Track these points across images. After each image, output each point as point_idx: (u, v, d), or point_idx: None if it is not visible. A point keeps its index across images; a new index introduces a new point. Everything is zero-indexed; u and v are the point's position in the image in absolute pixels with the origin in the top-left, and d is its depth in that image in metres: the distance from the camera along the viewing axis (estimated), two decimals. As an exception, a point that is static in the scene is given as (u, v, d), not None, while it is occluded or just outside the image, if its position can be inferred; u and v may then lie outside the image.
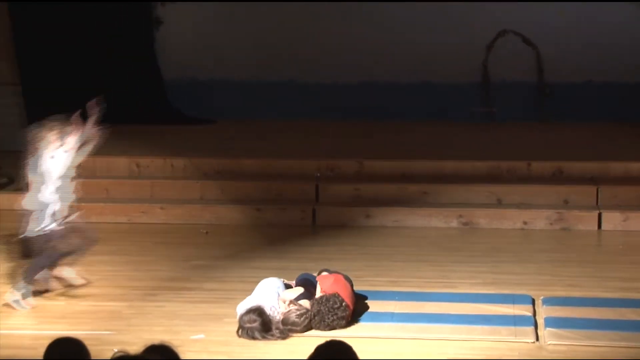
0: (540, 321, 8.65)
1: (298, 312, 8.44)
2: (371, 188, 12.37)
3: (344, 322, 8.50)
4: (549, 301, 9.09)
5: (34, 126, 9.52)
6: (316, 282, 8.81)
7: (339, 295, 8.51)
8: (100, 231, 11.64)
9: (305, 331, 8.40)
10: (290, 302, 8.55)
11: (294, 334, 8.33)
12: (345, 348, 5.21)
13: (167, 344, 5.37)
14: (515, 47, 15.26)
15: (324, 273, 9.02)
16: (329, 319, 8.41)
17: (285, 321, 8.40)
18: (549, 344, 8.15)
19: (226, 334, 8.36)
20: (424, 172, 12.58)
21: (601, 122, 14.79)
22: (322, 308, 8.43)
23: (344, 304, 8.49)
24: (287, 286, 8.91)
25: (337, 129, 14.73)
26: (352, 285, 8.91)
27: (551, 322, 8.54)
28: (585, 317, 8.68)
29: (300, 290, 8.73)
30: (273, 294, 8.67)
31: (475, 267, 10.20)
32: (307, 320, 8.43)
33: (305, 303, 8.55)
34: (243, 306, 8.52)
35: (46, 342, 5.45)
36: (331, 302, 8.46)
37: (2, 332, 8.48)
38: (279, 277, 9.07)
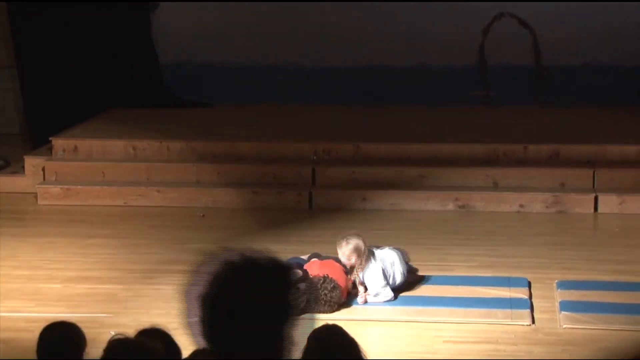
0: (555, 305, 8.68)
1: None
2: (368, 171, 12.39)
3: (338, 291, 8.49)
4: (564, 284, 9.09)
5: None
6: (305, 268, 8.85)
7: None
8: (97, 214, 11.76)
9: (301, 315, 8.40)
10: None
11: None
12: (341, 331, 5.23)
13: (158, 326, 5.39)
14: (511, 30, 15.23)
15: (314, 259, 9.05)
16: (323, 296, 8.40)
17: None
18: (565, 327, 8.16)
19: (222, 317, 8.38)
20: (421, 156, 12.59)
21: (598, 105, 14.78)
22: (311, 293, 8.42)
23: (326, 278, 8.51)
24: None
25: (334, 113, 14.72)
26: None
27: (566, 306, 8.54)
28: (599, 300, 8.69)
29: (298, 273, 8.74)
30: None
31: (471, 250, 10.22)
32: (301, 304, 8.42)
33: (302, 286, 8.57)
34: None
35: (41, 325, 5.47)
36: (314, 282, 8.48)
37: (-2, 314, 8.52)
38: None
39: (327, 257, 9.07)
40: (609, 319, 8.31)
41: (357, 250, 8.73)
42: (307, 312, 8.40)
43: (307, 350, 5.10)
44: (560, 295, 8.84)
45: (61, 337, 5.35)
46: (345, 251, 8.75)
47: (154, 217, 11.69)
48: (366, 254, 8.74)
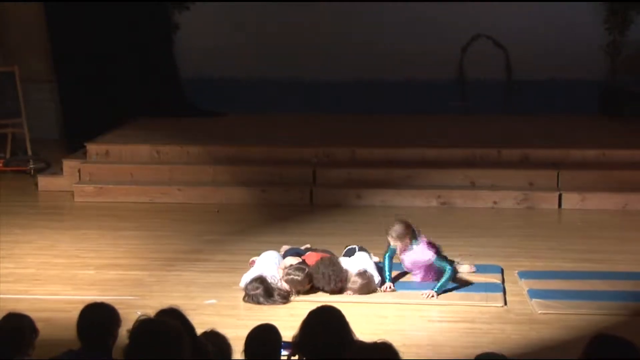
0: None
1: (295, 267, 8.43)
2: (362, 172, 12.38)
3: (342, 273, 8.49)
4: (525, 275, 8.98)
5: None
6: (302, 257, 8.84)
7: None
8: (126, 210, 11.77)
9: (308, 285, 8.38)
10: (291, 266, 8.55)
11: (294, 299, 8.33)
12: (335, 312, 5.20)
13: (174, 307, 5.38)
14: (487, 49, 15.27)
15: (309, 252, 9.04)
16: (332, 273, 8.39)
17: (287, 279, 8.37)
18: (540, 314, 8.04)
19: (235, 300, 8.38)
20: (408, 158, 12.58)
21: (561, 114, 14.81)
22: (323, 270, 8.41)
23: (334, 257, 8.55)
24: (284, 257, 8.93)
25: (332, 121, 14.73)
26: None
27: (536, 294, 8.42)
28: (564, 288, 8.58)
29: (299, 259, 8.74)
30: (272, 265, 8.67)
31: (452, 241, 10.16)
32: (306, 273, 8.40)
33: (305, 270, 8.56)
34: (247, 277, 8.53)
35: (78, 307, 5.44)
36: (323, 262, 8.48)
37: (40, 297, 8.50)
38: (280, 250, 9.09)
39: (323, 250, 9.08)
40: (578, 304, 8.17)
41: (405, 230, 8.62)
42: (323, 286, 8.39)
43: (305, 328, 5.08)
44: (525, 284, 8.74)
45: (99, 317, 5.31)
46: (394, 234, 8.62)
47: (176, 212, 11.68)
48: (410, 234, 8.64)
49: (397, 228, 8.59)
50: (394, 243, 8.61)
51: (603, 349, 4.43)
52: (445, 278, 8.41)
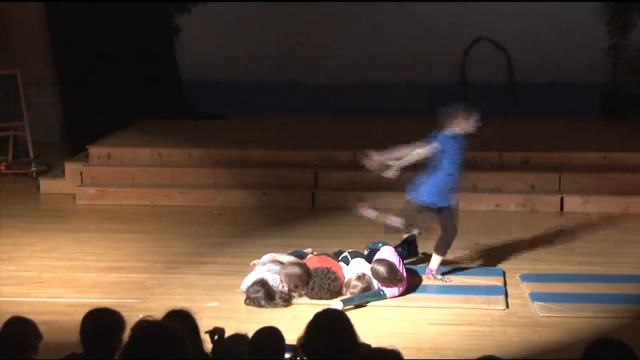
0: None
1: (293, 262, 8.43)
2: (363, 175, 12.29)
3: (338, 282, 8.48)
4: (527, 277, 8.99)
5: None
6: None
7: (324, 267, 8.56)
8: (127, 212, 11.77)
9: (307, 282, 8.38)
10: (289, 262, 8.55)
11: (296, 302, 8.33)
12: (341, 315, 5.22)
13: (185, 309, 5.38)
14: (488, 52, 15.27)
15: (310, 255, 9.03)
16: (325, 285, 8.40)
17: (285, 273, 8.37)
18: (542, 317, 8.04)
19: (236, 302, 8.39)
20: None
21: (563, 117, 14.81)
22: (315, 279, 8.43)
23: (330, 269, 8.51)
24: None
25: (334, 124, 14.73)
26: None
27: (538, 297, 8.41)
28: (566, 291, 8.56)
29: (300, 261, 8.73)
30: (274, 268, 8.66)
31: (453, 244, 10.17)
32: (305, 269, 8.40)
33: (309, 272, 8.55)
34: (248, 280, 8.52)
35: (79, 309, 5.43)
36: (319, 272, 8.47)
37: (41, 299, 8.51)
38: (281, 253, 9.08)
39: (323, 254, 9.07)
40: (580, 307, 8.16)
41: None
42: (311, 298, 8.41)
43: (310, 330, 5.08)
44: (527, 287, 8.75)
45: (102, 321, 5.29)
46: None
47: (177, 215, 11.69)
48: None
49: (381, 271, 8.48)
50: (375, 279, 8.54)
51: (600, 353, 4.43)
52: (364, 297, 8.32)
